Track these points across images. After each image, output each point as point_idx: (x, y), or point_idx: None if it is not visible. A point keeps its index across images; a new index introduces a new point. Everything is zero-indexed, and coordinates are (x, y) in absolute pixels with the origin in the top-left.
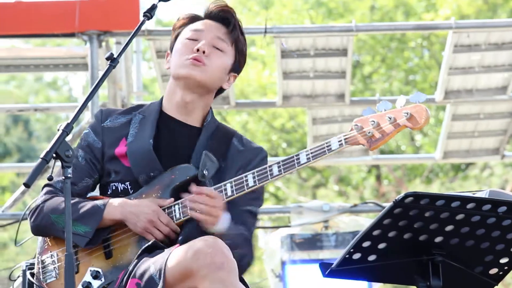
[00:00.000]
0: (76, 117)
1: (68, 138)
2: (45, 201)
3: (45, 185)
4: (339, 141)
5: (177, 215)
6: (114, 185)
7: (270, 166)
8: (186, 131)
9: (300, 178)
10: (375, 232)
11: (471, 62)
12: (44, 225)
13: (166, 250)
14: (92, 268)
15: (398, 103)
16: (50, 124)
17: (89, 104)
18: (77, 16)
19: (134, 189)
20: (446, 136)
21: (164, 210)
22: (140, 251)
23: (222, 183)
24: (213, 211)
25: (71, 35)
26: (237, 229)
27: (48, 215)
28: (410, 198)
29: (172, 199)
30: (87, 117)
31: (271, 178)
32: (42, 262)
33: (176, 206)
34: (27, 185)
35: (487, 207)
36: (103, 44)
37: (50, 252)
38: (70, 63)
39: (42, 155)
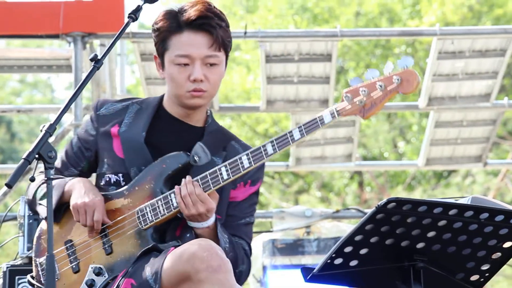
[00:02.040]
0: (59, 118)
1: (51, 140)
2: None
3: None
4: (331, 113)
5: (174, 204)
6: (108, 176)
7: (264, 145)
8: (187, 129)
9: (282, 184)
10: (357, 238)
11: (455, 69)
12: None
13: (162, 253)
14: (94, 265)
15: (386, 69)
16: (33, 126)
17: (72, 106)
18: (61, 17)
19: (126, 181)
20: (429, 143)
21: (160, 199)
22: (139, 254)
23: (216, 167)
24: (197, 205)
25: (55, 36)
26: (238, 244)
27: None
28: (393, 204)
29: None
30: (70, 119)
31: (266, 157)
32: (40, 264)
33: (172, 195)
34: (9, 185)
35: (469, 213)
36: (87, 46)
37: (47, 254)
38: (54, 65)
39: (24, 156)
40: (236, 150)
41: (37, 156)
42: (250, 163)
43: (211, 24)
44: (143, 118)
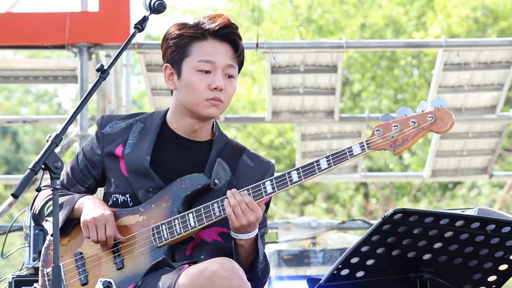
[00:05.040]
0: (65, 129)
1: (56, 150)
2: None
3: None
4: (361, 146)
5: (192, 224)
6: (115, 196)
7: (289, 172)
8: (194, 146)
9: (288, 195)
10: (364, 248)
11: (460, 80)
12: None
13: (175, 269)
14: (103, 279)
15: (419, 107)
16: (39, 137)
17: (78, 116)
18: (67, 28)
19: (133, 201)
20: (434, 154)
21: (177, 218)
22: (149, 268)
23: (239, 191)
24: (248, 214)
25: (61, 47)
26: (265, 256)
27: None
28: (399, 215)
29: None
30: (75, 130)
31: (290, 184)
32: (47, 274)
33: (190, 215)
34: (15, 195)
35: (475, 225)
36: (93, 56)
37: (53, 264)
38: (60, 75)
39: (30, 166)
40: (246, 164)
41: (43, 166)
42: (273, 189)
43: (236, 34)
44: (147, 139)
